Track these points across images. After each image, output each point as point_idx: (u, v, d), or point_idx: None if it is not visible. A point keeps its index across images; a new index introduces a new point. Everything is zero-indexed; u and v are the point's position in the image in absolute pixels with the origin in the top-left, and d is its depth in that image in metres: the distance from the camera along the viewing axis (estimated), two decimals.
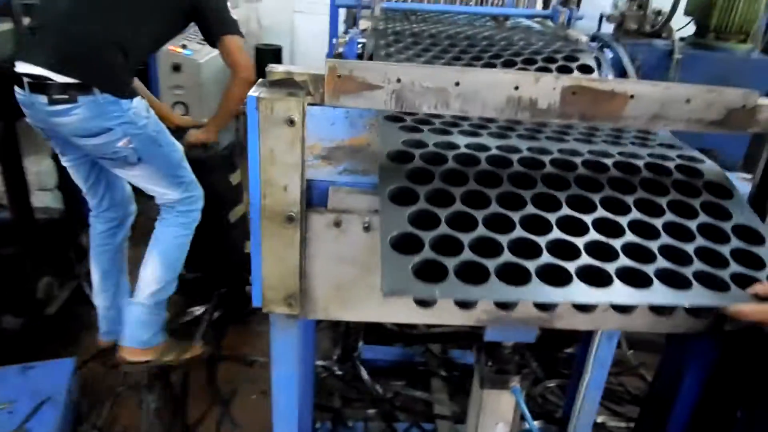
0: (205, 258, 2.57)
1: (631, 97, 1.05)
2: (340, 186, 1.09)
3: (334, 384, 2.46)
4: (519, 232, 0.91)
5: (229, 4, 2.33)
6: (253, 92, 0.97)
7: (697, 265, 0.98)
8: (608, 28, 3.17)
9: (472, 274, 0.83)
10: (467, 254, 0.85)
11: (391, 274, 0.79)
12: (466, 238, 0.87)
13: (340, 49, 1.91)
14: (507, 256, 0.88)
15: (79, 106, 1.95)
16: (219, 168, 2.68)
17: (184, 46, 3.91)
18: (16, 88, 2.03)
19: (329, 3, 3.11)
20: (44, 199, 3.28)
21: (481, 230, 0.90)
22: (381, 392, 2.39)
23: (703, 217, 1.08)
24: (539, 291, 0.85)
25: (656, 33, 2.48)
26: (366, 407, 2.32)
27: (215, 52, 2.40)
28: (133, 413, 2.31)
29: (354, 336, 2.62)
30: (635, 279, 0.91)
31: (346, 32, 2.84)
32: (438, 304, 1.04)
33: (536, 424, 2.15)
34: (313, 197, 1.11)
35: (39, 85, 1.93)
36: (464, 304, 0.86)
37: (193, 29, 4.49)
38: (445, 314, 1.16)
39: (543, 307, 1.06)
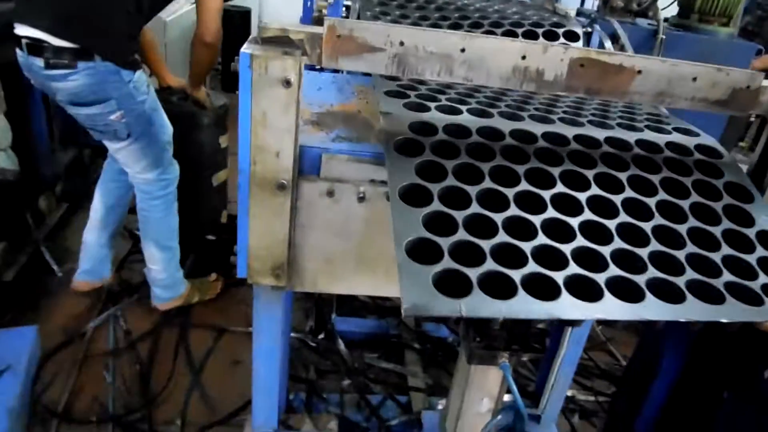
0: (181, 217, 2.49)
1: (639, 72, 1.02)
2: (334, 154, 1.04)
3: (307, 356, 2.42)
4: (542, 238, 0.87)
5: None
6: (246, 49, 0.90)
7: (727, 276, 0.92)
8: (589, 5, 3.15)
9: (495, 285, 0.80)
10: (490, 264, 0.81)
11: (410, 289, 0.74)
12: (486, 245, 0.83)
13: (324, 12, 1.82)
14: (532, 267, 0.83)
15: (78, 72, 1.87)
16: (210, 127, 2.59)
17: None
18: (17, 50, 1.96)
19: None
20: None
21: (502, 236, 0.85)
22: (355, 364, 2.37)
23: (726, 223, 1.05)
24: (573, 306, 0.79)
25: (642, 12, 2.47)
26: (340, 379, 2.30)
27: (182, 9, 2.29)
28: (98, 382, 2.23)
29: (327, 308, 2.59)
30: (667, 294, 0.86)
31: None
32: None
33: (508, 398, 2.17)
34: (305, 165, 1.05)
35: (37, 47, 1.85)
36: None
37: None
38: None
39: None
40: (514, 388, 1.22)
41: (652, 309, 0.81)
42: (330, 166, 1.04)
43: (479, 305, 0.75)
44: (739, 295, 0.86)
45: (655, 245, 0.91)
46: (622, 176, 1.00)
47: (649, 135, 1.13)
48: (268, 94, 0.91)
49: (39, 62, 1.87)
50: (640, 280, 0.84)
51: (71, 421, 2.05)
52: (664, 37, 2.33)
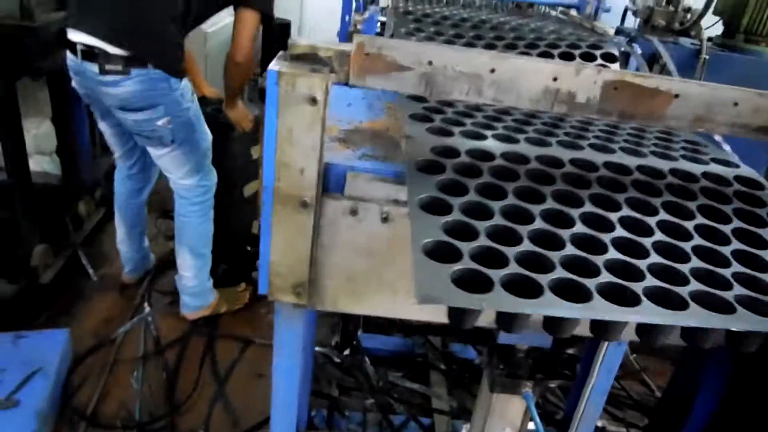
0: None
1: (676, 96, 0.98)
2: (359, 172, 1.03)
3: (331, 371, 2.41)
4: (571, 249, 0.82)
5: None
6: (274, 66, 0.90)
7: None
8: (631, 22, 3.09)
9: (520, 289, 0.75)
10: (514, 267, 0.76)
11: (424, 282, 0.70)
12: (510, 251, 0.79)
13: (359, 27, 1.83)
14: (560, 272, 0.78)
15: (131, 78, 1.95)
16: (242, 138, 2.64)
17: None
18: (68, 54, 2.06)
19: None
20: (42, 163, 3.22)
21: (527, 245, 0.81)
22: (379, 383, 2.34)
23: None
24: (607, 308, 0.74)
25: (685, 31, 2.40)
26: (363, 397, 2.28)
27: (222, 22, 2.37)
28: (125, 388, 2.26)
29: (353, 323, 2.57)
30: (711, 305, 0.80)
31: (358, 9, 2.73)
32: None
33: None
34: (329, 182, 1.04)
35: (91, 53, 1.93)
36: (512, 325, 0.76)
37: None
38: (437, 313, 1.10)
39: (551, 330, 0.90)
40: (537, 419, 1.19)
41: (696, 316, 0.75)
42: (355, 184, 1.03)
43: (502, 301, 0.71)
44: None
45: (696, 262, 0.85)
46: (656, 201, 0.96)
47: (685, 164, 1.08)
48: (294, 111, 0.90)
49: (94, 68, 1.95)
50: (683, 291, 0.79)
51: (98, 426, 2.09)
52: (707, 57, 2.26)
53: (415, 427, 2.10)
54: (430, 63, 0.93)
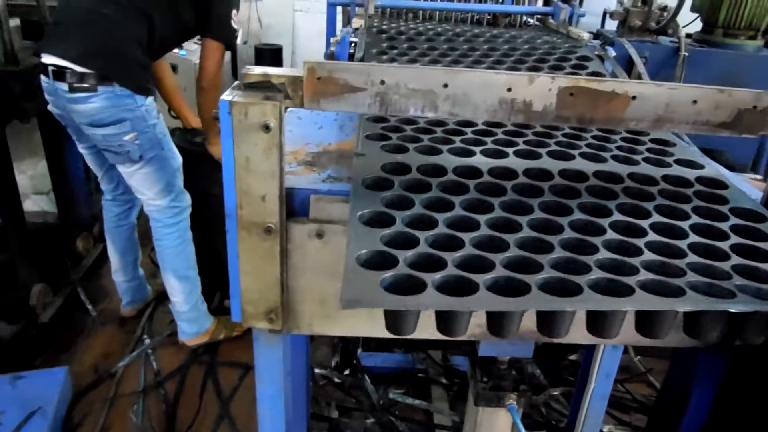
0: (205, 255, 2.57)
1: (634, 98, 0.98)
2: (323, 194, 1.03)
3: (332, 392, 2.40)
4: (515, 251, 0.81)
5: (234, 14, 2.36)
6: (226, 96, 0.91)
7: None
8: (612, 25, 3.10)
9: (458, 293, 0.74)
10: (451, 270, 0.76)
11: (353, 287, 0.70)
12: (450, 256, 0.78)
13: (332, 49, 1.84)
14: (501, 271, 0.77)
15: (98, 95, 2.09)
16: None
17: (179, 47, 3.85)
18: (42, 77, 2.19)
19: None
20: (39, 203, 3.25)
21: (469, 249, 0.81)
22: (380, 401, 2.33)
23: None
24: (540, 299, 0.72)
25: (661, 30, 2.40)
26: (364, 416, 2.26)
27: None
28: (126, 421, 2.25)
29: (352, 343, 2.56)
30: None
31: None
32: (429, 317, 0.97)
33: None
34: (295, 206, 1.05)
35: (62, 73, 2.07)
36: (448, 328, 0.76)
37: None
38: (435, 329, 1.09)
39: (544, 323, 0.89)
40: (523, 430, 1.17)
41: (689, 301, 0.74)
42: (319, 207, 1.03)
43: (428, 301, 0.70)
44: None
45: (649, 255, 0.84)
46: (611, 204, 0.96)
47: (646, 168, 1.08)
48: (249, 140, 0.91)
49: (64, 86, 2.09)
50: (679, 281, 0.77)
51: None
52: (686, 54, 2.26)
53: None
54: (382, 82, 0.93)
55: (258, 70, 0.95)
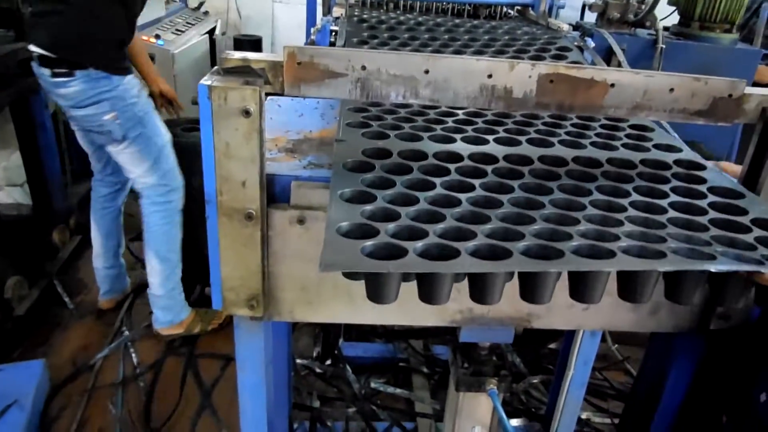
0: (189, 247, 2.56)
1: (612, 85, 0.99)
2: (304, 181, 1.03)
3: (313, 383, 2.40)
4: (497, 223, 0.81)
5: None
6: (206, 80, 0.90)
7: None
8: (591, 17, 3.12)
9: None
10: (433, 239, 0.76)
11: (331, 254, 0.70)
12: (432, 228, 0.78)
13: (313, 38, 1.83)
14: (483, 240, 0.77)
15: (76, 79, 2.18)
16: None
17: (157, 36, 3.80)
18: (32, 63, 2.28)
19: None
20: (13, 194, 3.19)
21: (450, 222, 0.81)
22: (362, 391, 2.33)
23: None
24: (523, 261, 0.73)
25: (639, 22, 2.43)
26: (346, 406, 2.27)
27: (190, 42, 2.45)
28: (105, 414, 2.23)
29: (334, 332, 2.56)
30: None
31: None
32: (410, 303, 0.97)
33: (519, 421, 2.11)
34: (276, 192, 1.04)
35: (45, 59, 2.19)
36: (430, 294, 0.75)
37: (167, 19, 4.37)
38: (417, 314, 1.10)
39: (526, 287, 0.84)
40: (504, 415, 1.19)
41: (670, 262, 0.74)
42: (300, 193, 1.03)
43: (410, 263, 0.70)
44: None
45: (629, 227, 0.85)
46: (591, 185, 0.97)
47: (625, 153, 1.09)
48: (228, 125, 0.90)
49: (47, 72, 2.20)
50: (660, 246, 0.78)
51: None
52: (663, 46, 2.29)
53: None
54: (363, 68, 0.93)
55: (237, 55, 0.94)
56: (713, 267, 0.73)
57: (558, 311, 1.13)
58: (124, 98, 2.25)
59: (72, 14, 2.18)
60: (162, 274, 2.50)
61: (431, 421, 2.14)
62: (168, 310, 2.58)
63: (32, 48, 2.22)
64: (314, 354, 2.53)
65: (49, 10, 2.20)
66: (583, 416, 2.31)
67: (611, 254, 0.75)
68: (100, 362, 2.48)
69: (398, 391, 2.35)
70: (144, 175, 2.39)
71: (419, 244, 0.73)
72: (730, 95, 1.02)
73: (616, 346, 2.69)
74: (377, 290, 0.75)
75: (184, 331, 2.62)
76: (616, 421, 2.31)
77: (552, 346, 2.63)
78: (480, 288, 0.76)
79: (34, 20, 2.26)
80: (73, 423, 2.16)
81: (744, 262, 0.76)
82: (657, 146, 1.17)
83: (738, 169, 1.14)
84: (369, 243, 0.74)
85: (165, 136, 2.43)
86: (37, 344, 2.57)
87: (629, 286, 0.80)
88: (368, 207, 0.83)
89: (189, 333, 2.64)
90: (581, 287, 0.79)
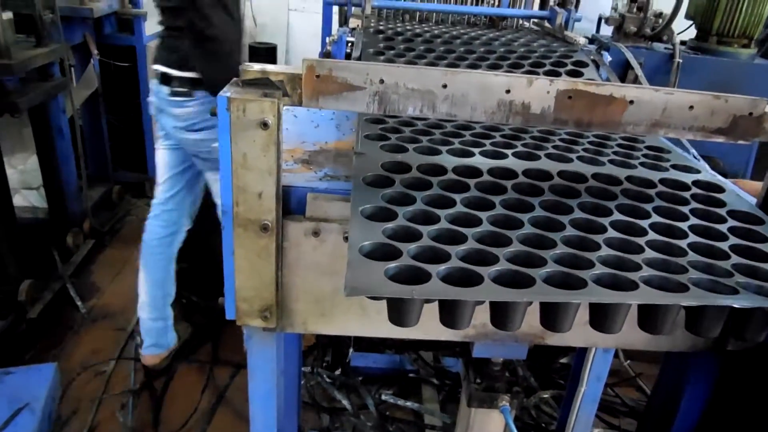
0: (197, 253, 2.54)
1: (631, 102, 0.98)
2: (319, 193, 1.03)
3: (323, 393, 2.39)
4: (518, 246, 0.81)
5: None
6: (225, 92, 0.90)
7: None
8: (607, 30, 3.11)
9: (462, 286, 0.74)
10: (456, 262, 0.76)
11: (356, 277, 0.70)
12: (453, 250, 0.78)
13: (329, 48, 1.84)
14: (505, 265, 0.77)
15: (195, 99, 2.15)
16: None
17: None
18: (151, 81, 2.30)
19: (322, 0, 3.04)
20: (29, 198, 3.22)
21: (471, 243, 0.81)
22: (371, 401, 2.32)
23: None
24: (548, 291, 0.73)
25: (656, 36, 2.42)
26: (355, 417, 2.25)
27: None
28: (115, 420, 2.24)
29: (344, 343, 2.55)
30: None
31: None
32: (424, 317, 0.96)
33: None
34: (292, 204, 1.04)
35: (167, 78, 2.16)
36: (452, 320, 0.75)
37: None
38: (431, 329, 1.09)
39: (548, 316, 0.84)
40: (515, 431, 1.17)
41: (693, 296, 0.74)
42: (315, 205, 1.03)
43: (434, 289, 0.70)
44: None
45: (650, 253, 0.85)
46: (611, 204, 0.96)
47: (643, 171, 1.08)
48: (246, 136, 0.91)
49: (166, 90, 2.17)
50: (681, 278, 0.77)
51: None
52: (680, 60, 2.28)
53: None
54: (381, 81, 0.93)
55: (257, 66, 0.95)
56: (737, 303, 0.72)
57: (573, 328, 1.12)
58: None
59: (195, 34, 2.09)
60: (154, 295, 2.43)
61: None
62: (151, 335, 2.45)
63: (157, 67, 2.20)
64: (324, 364, 2.52)
65: (173, 26, 2.16)
66: None
67: (633, 285, 0.74)
68: (112, 368, 2.49)
69: (408, 403, 2.34)
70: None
71: (442, 268, 0.73)
72: (751, 113, 1.01)
73: (629, 361, 2.66)
74: (400, 314, 0.75)
75: (166, 356, 2.50)
76: None
77: (563, 360, 2.60)
78: (501, 314, 0.76)
79: (161, 39, 2.25)
80: (84, 428, 2.17)
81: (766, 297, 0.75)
82: (675, 166, 1.16)
83: (758, 186, 1.13)
84: (392, 265, 0.73)
85: None
86: (49, 347, 2.58)
87: (650, 319, 0.79)
88: (390, 225, 0.83)
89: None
90: (601, 318, 0.78)
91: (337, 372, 2.47)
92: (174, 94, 2.16)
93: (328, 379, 2.43)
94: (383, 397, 2.35)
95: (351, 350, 2.53)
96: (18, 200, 3.22)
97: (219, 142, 0.93)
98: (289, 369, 1.67)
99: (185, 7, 2.07)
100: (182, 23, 2.10)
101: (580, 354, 1.82)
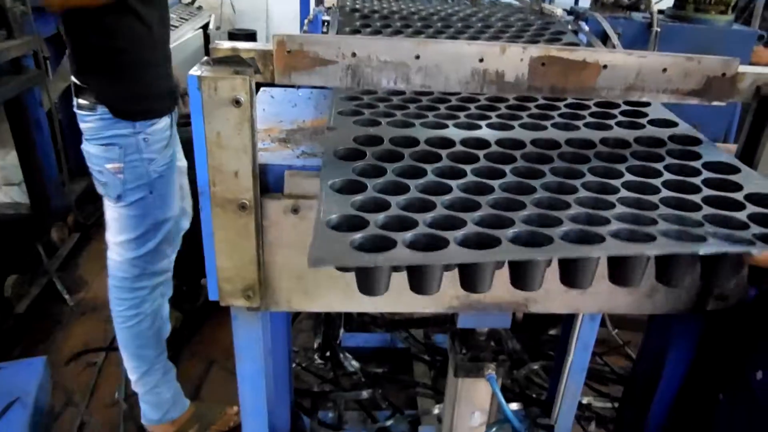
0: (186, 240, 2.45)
1: (605, 67, 0.99)
2: (297, 170, 1.02)
3: (314, 373, 2.41)
4: (487, 209, 0.81)
5: None
6: (195, 71, 0.89)
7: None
8: (586, 3, 3.11)
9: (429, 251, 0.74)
10: (422, 228, 0.76)
11: (321, 248, 0.69)
12: (421, 217, 0.78)
13: (305, 29, 1.82)
14: (473, 228, 0.77)
15: (95, 114, 1.75)
16: None
17: None
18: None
19: None
20: (11, 194, 3.19)
21: (440, 210, 0.81)
22: (363, 380, 2.34)
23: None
24: (510, 250, 0.72)
25: (634, 5, 2.42)
26: (347, 395, 2.27)
27: (184, 37, 2.15)
28: (107, 411, 2.24)
29: (335, 323, 2.57)
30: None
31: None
32: (406, 291, 0.97)
33: (518, 407, 2.12)
34: (270, 182, 1.04)
35: (76, 87, 1.78)
36: (420, 285, 0.75)
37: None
38: (414, 302, 1.10)
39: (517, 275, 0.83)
40: (503, 400, 1.19)
41: (659, 245, 0.74)
42: (293, 182, 1.02)
43: (399, 256, 0.69)
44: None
45: (621, 209, 0.84)
46: (584, 167, 0.96)
47: (619, 132, 1.09)
48: (219, 115, 0.90)
49: (75, 101, 1.79)
50: (649, 229, 0.77)
51: None
52: (658, 29, 2.28)
53: (401, 420, 2.10)
54: (353, 54, 0.93)
55: (227, 44, 0.94)
56: (702, 250, 0.72)
57: (555, 295, 1.13)
58: (140, 149, 1.78)
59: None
60: (137, 371, 2.01)
61: (433, 409, 2.15)
62: (155, 408, 2.09)
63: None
64: (315, 345, 2.53)
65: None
66: (584, 401, 2.32)
67: (600, 239, 0.74)
68: (102, 359, 2.49)
69: (400, 379, 2.36)
70: (121, 250, 1.88)
71: (408, 235, 0.73)
72: (724, 74, 1.02)
73: (617, 330, 2.69)
74: (367, 283, 0.75)
75: (175, 431, 2.15)
76: (617, 405, 2.32)
77: (552, 332, 2.63)
78: (470, 277, 0.76)
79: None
80: (76, 420, 2.17)
81: (734, 243, 0.75)
82: (652, 122, 1.16)
83: (733, 148, 1.14)
84: (358, 235, 0.73)
85: (171, 210, 1.93)
86: (37, 342, 2.57)
87: (619, 271, 0.79)
88: (358, 197, 0.83)
89: None
90: (570, 273, 0.79)
91: (328, 353, 2.48)
92: (78, 106, 1.78)
93: (319, 360, 2.44)
94: (375, 374, 2.37)
95: (342, 331, 2.55)
96: None
97: (193, 122, 0.92)
98: (278, 349, 1.67)
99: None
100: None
101: (567, 323, 1.85)
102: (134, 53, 1.76)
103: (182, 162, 2.05)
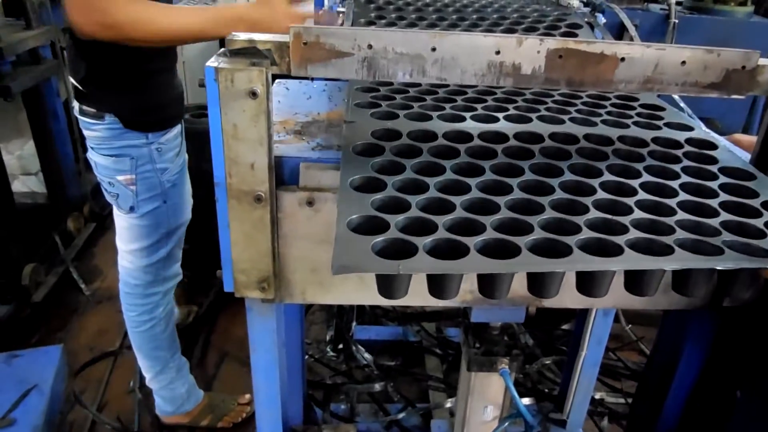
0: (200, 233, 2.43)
1: (622, 59, 0.97)
2: (312, 162, 1.03)
3: (327, 365, 2.42)
4: (506, 212, 0.81)
5: None
6: (212, 62, 0.90)
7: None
8: None
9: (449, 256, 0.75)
10: (442, 233, 0.76)
11: (343, 254, 0.70)
12: (440, 220, 0.78)
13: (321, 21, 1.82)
14: (492, 233, 0.77)
15: (104, 123, 1.64)
16: None
17: None
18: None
19: None
20: (28, 183, 3.23)
21: (459, 212, 0.81)
22: (375, 373, 2.35)
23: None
24: (529, 261, 0.72)
25: None
26: (360, 388, 2.28)
27: None
28: (123, 400, 2.27)
29: (347, 316, 2.58)
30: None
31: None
32: (421, 285, 0.97)
33: (531, 401, 2.12)
34: (285, 175, 1.04)
35: (78, 91, 1.66)
36: (440, 291, 0.76)
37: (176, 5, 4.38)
38: (428, 295, 1.10)
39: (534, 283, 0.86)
40: (516, 394, 1.19)
41: (676, 260, 0.73)
42: (308, 175, 1.03)
43: (420, 264, 0.70)
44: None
45: (639, 214, 0.84)
46: (602, 165, 0.96)
47: (636, 131, 1.08)
48: (236, 106, 0.90)
49: (77, 106, 1.68)
50: (667, 239, 0.77)
51: None
52: (676, 21, 2.25)
53: (412, 413, 2.10)
54: (369, 47, 0.92)
55: (243, 36, 0.94)
56: (720, 265, 0.72)
57: (569, 290, 1.13)
58: (153, 160, 1.69)
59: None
60: (152, 370, 2.04)
61: (445, 403, 2.15)
62: (168, 402, 2.13)
63: (70, 79, 1.70)
64: (327, 338, 2.54)
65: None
66: (597, 396, 2.31)
67: (618, 250, 0.74)
68: (119, 348, 2.52)
69: (411, 372, 2.36)
70: (133, 257, 1.84)
71: (428, 240, 0.74)
72: (744, 67, 1.00)
73: (630, 326, 2.68)
74: (388, 287, 0.76)
75: (189, 422, 2.18)
76: (630, 400, 2.31)
77: (565, 327, 2.62)
78: (489, 285, 0.76)
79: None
80: (93, 407, 2.20)
81: (751, 257, 0.75)
82: (669, 125, 1.15)
83: (753, 139, 1.12)
84: (379, 239, 0.74)
85: (184, 215, 1.90)
86: (54, 330, 2.61)
87: (636, 282, 0.79)
88: (378, 196, 0.83)
89: (195, 425, 2.19)
90: (587, 283, 0.79)
91: (340, 346, 2.49)
92: (81, 112, 1.66)
93: (331, 353, 2.45)
94: (387, 367, 2.38)
95: (354, 324, 2.56)
96: (17, 186, 3.23)
97: (209, 113, 0.93)
98: (291, 341, 1.68)
99: None
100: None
101: (580, 318, 1.84)
102: (147, 61, 1.65)
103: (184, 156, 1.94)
